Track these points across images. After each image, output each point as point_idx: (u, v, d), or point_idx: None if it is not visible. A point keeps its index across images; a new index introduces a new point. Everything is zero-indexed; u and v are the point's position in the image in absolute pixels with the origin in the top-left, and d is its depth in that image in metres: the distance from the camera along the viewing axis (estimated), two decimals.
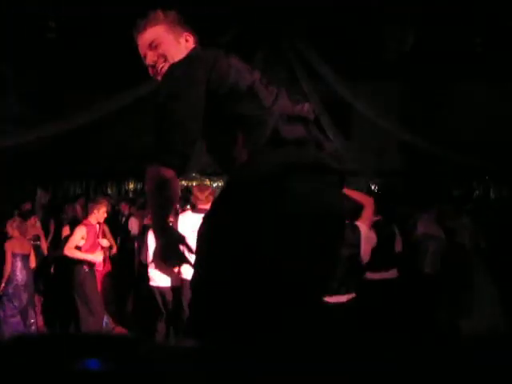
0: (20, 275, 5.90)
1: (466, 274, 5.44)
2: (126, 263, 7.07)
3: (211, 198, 4.63)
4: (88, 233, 5.90)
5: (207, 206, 4.65)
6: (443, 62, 12.85)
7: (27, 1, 9.91)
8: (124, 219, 8.67)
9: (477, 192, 13.69)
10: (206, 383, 1.03)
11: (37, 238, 6.82)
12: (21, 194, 12.54)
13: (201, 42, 2.52)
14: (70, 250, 5.75)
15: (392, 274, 5.72)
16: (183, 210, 5.65)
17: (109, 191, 15.04)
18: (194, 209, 4.92)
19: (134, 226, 7.95)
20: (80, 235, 5.83)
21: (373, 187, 13.35)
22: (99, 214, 6.00)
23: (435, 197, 11.01)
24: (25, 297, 5.87)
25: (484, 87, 13.66)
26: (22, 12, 10.22)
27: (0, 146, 10.07)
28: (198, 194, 4.84)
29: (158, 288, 5.46)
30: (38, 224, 7.19)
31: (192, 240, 4.52)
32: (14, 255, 5.94)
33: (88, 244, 5.89)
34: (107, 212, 6.28)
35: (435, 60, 12.72)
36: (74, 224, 6.36)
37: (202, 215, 4.49)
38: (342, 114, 13.91)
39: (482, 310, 5.14)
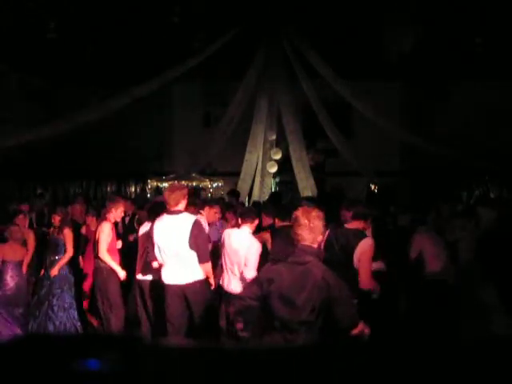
0: (11, 283, 5.77)
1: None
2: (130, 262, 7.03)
3: (180, 200, 4.72)
4: (111, 230, 5.81)
5: (178, 208, 4.66)
6: (443, 62, 12.86)
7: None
8: (128, 218, 8.64)
9: (477, 192, 13.70)
10: (205, 383, 1.04)
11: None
12: (21, 194, 12.55)
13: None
14: (104, 255, 5.63)
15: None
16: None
17: (108, 191, 15.06)
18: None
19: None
20: (107, 233, 5.71)
21: (373, 187, 13.35)
22: (117, 212, 5.89)
23: (435, 196, 11.00)
24: (18, 307, 5.77)
25: (484, 87, 13.68)
26: (23, 12, 10.23)
27: (0, 146, 10.06)
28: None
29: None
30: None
31: (167, 241, 4.51)
32: (4, 262, 5.77)
33: (110, 244, 5.78)
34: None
35: (435, 60, 12.73)
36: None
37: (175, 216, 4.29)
38: (342, 114, 13.94)
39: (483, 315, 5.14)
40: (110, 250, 5.77)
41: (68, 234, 6.16)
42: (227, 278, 5.06)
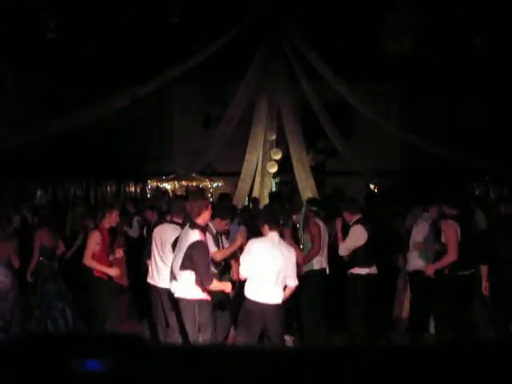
0: (3, 281, 5.76)
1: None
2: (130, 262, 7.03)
3: (200, 211, 4.79)
4: (102, 239, 5.73)
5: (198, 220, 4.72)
6: (443, 63, 12.86)
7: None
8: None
9: (477, 192, 13.70)
10: (205, 383, 1.03)
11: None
12: (21, 194, 12.54)
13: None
14: (89, 261, 5.60)
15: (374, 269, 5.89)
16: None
17: (108, 191, 15.06)
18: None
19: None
20: (95, 242, 5.65)
21: (372, 187, 13.35)
22: (112, 217, 5.86)
23: (434, 196, 10.98)
24: (11, 300, 5.81)
25: (484, 87, 13.69)
26: (23, 12, 10.23)
27: (0, 146, 10.06)
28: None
29: (155, 287, 5.48)
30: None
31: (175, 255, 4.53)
32: None
33: (102, 250, 5.74)
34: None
35: (435, 60, 12.73)
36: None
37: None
38: (342, 114, 13.95)
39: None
40: (99, 259, 5.74)
41: (36, 237, 6.30)
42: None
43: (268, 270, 4.69)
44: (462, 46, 11.92)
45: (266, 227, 4.78)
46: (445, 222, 5.55)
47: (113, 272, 5.76)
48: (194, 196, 5.34)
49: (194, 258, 4.50)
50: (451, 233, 5.40)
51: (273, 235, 4.76)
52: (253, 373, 1.00)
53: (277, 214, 5.07)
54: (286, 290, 4.80)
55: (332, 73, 11.51)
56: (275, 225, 4.79)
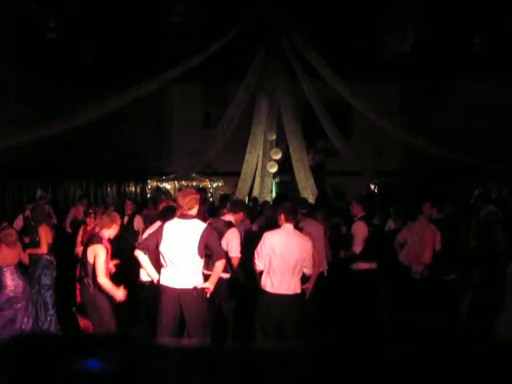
0: (12, 286, 5.58)
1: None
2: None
3: (193, 204, 4.55)
4: (106, 252, 5.28)
5: (191, 212, 4.53)
6: (443, 62, 12.87)
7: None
8: (128, 218, 8.61)
9: (477, 192, 13.68)
10: (205, 383, 1.03)
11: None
12: (21, 194, 12.55)
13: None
14: (104, 280, 5.06)
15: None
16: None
17: (108, 191, 15.06)
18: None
19: (137, 223, 7.97)
20: (104, 257, 5.19)
21: (372, 187, 13.35)
22: (113, 229, 5.44)
23: (434, 196, 10.97)
24: (20, 305, 5.61)
25: (484, 87, 13.69)
26: (23, 12, 10.24)
27: (1, 146, 10.06)
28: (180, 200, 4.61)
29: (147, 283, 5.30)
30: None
31: (177, 245, 4.44)
32: (1, 268, 5.55)
33: (105, 264, 5.29)
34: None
35: (435, 60, 12.74)
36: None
37: (187, 221, 4.46)
38: (342, 114, 13.94)
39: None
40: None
41: (42, 231, 6.14)
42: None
43: (285, 261, 4.65)
44: (462, 45, 11.93)
45: (283, 218, 4.72)
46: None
47: (118, 294, 5.14)
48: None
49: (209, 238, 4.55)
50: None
51: (288, 226, 4.71)
52: (251, 372, 1.00)
53: (295, 206, 4.97)
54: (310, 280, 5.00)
55: (332, 73, 11.51)
56: (292, 216, 4.72)
